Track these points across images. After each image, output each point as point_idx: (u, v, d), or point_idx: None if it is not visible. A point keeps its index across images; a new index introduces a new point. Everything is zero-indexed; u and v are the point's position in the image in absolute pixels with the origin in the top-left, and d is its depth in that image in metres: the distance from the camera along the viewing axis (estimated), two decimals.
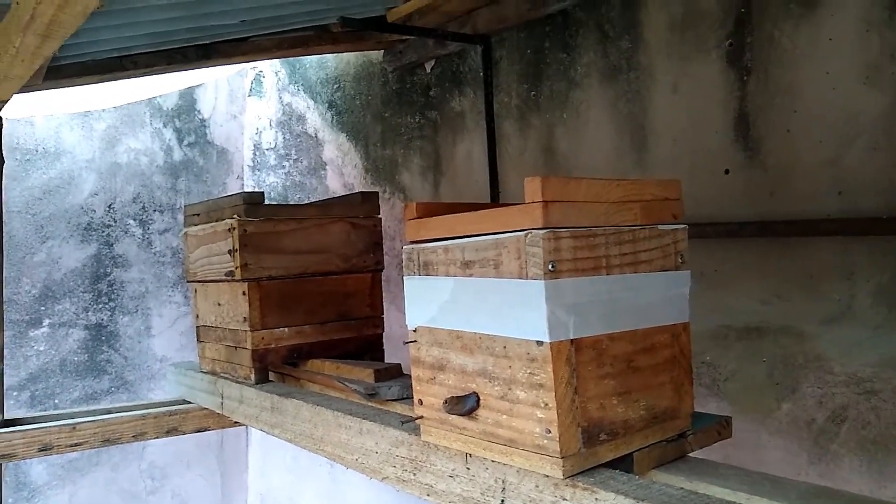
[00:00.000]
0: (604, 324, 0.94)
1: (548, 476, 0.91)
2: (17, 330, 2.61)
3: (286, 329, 1.76)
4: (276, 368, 1.76)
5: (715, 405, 1.68)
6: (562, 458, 0.88)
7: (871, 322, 1.46)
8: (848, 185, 1.50)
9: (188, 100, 3.12)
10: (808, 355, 1.56)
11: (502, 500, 0.98)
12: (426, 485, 1.12)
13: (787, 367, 1.59)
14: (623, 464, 0.97)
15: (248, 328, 1.72)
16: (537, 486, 0.93)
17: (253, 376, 1.72)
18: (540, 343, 0.89)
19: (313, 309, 1.81)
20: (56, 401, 2.67)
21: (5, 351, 2.59)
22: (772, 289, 1.62)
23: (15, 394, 2.59)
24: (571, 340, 0.90)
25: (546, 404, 0.89)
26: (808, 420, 1.56)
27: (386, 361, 1.78)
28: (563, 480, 0.89)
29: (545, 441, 0.90)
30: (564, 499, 0.89)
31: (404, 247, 1.10)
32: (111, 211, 2.86)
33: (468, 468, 1.03)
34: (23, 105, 2.63)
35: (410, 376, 1.14)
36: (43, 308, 2.68)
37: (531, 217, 0.89)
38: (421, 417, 1.10)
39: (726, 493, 0.87)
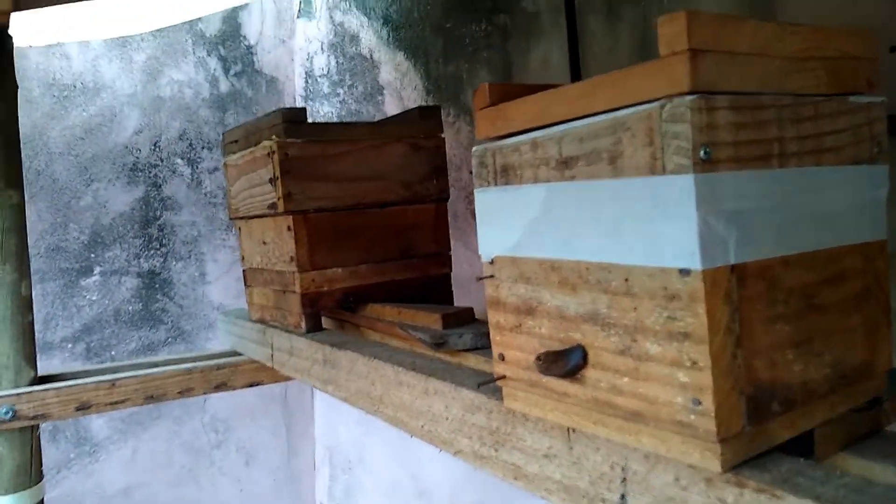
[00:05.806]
0: (777, 242, 0.63)
1: (695, 467, 0.62)
2: (67, 279, 2.47)
3: (339, 269, 1.50)
4: (330, 314, 1.52)
5: None
6: (720, 441, 0.59)
7: None
8: None
9: (232, 24, 2.86)
10: None
11: (622, 495, 0.69)
12: (512, 464, 0.84)
13: None
14: (799, 446, 0.67)
15: (295, 269, 1.47)
16: (678, 480, 0.63)
17: (303, 324, 1.48)
18: (685, 272, 0.58)
19: (370, 245, 1.54)
20: (113, 352, 2.53)
21: (56, 301, 2.46)
22: None
23: (70, 346, 2.46)
24: (732, 267, 0.59)
25: (694, 362, 0.59)
26: None
27: (455, 305, 1.51)
28: (720, 475, 0.60)
29: (692, 416, 0.60)
30: (723, 501, 0.60)
31: (474, 148, 0.81)
32: (157, 149, 2.66)
33: (571, 448, 0.75)
34: (48, 30, 2.42)
35: (486, 322, 0.86)
36: (93, 255, 2.52)
37: (671, 77, 0.57)
38: (503, 377, 0.82)
39: None
